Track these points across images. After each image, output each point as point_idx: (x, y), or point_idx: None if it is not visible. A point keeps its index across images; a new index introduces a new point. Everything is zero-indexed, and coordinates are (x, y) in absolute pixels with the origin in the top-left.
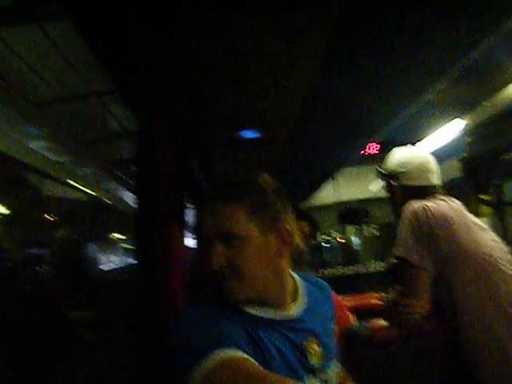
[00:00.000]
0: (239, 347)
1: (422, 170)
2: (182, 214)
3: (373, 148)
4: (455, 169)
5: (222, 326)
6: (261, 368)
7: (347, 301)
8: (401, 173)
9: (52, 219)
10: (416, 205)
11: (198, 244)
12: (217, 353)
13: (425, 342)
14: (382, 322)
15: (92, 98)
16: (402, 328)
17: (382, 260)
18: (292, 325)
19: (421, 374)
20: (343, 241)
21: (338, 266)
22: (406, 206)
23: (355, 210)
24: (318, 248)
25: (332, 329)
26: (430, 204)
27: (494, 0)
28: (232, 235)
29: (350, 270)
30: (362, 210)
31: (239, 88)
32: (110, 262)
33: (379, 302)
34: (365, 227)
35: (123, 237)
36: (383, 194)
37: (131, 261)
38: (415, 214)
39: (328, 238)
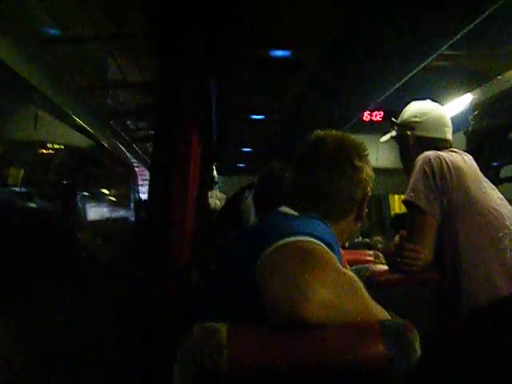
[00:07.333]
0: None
1: (439, 122)
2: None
3: (377, 115)
4: (461, 142)
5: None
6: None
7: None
8: (418, 123)
9: None
10: (431, 153)
11: None
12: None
13: (424, 291)
14: (383, 267)
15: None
16: (402, 273)
17: None
18: None
19: (416, 323)
20: None
21: None
22: (421, 155)
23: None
24: None
25: None
26: (444, 154)
27: None
28: None
29: None
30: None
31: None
32: None
33: (373, 259)
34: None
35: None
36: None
37: None
38: (429, 161)
39: None
